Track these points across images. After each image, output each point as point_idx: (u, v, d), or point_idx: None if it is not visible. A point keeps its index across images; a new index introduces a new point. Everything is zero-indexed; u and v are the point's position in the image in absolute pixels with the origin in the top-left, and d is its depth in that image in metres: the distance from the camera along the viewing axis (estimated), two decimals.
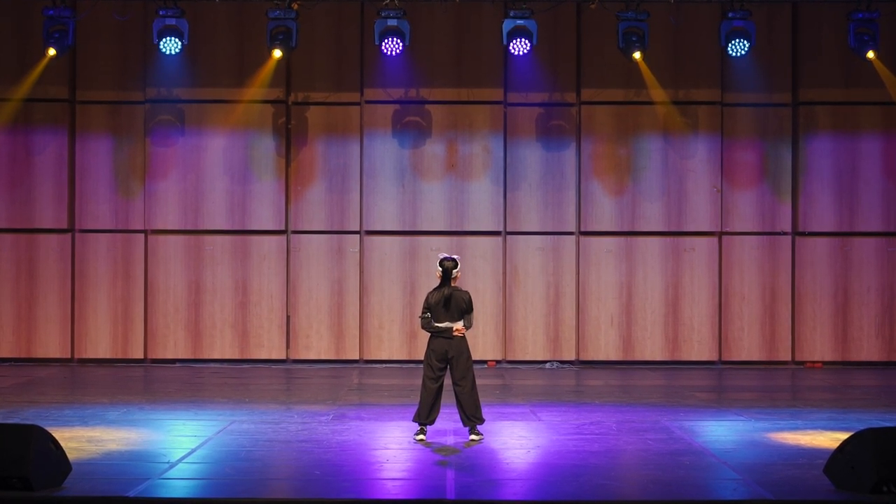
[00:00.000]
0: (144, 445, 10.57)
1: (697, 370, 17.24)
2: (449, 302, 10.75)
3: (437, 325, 10.74)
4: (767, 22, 17.36)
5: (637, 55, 16.59)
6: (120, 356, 17.44)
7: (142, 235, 17.48)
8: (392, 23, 16.23)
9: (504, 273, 17.55)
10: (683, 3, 17.05)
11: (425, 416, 10.79)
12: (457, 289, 10.84)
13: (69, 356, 17.45)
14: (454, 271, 10.85)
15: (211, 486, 9.08)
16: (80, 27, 16.91)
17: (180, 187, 17.48)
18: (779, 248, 17.61)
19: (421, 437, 10.77)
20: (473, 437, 10.79)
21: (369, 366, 17.44)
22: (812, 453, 10.19)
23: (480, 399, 10.96)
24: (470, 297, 10.88)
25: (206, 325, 17.45)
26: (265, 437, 10.99)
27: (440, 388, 10.82)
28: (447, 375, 10.89)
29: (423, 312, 10.84)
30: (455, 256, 11.01)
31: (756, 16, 16.63)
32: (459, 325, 10.76)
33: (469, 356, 10.84)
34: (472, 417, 10.81)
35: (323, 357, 17.50)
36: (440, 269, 10.84)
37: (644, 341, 17.51)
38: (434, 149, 17.56)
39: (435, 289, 10.84)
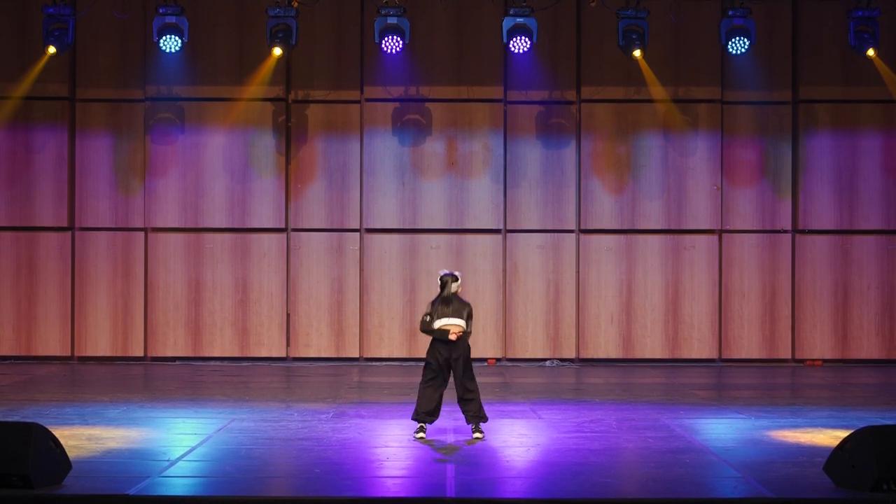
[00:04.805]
0: (144, 443, 10.57)
1: (697, 368, 17.24)
2: (451, 303, 10.74)
3: (437, 322, 10.71)
4: (767, 20, 17.35)
5: (637, 53, 16.59)
6: (120, 354, 17.44)
7: (142, 233, 17.48)
8: (392, 20, 16.24)
9: (504, 271, 17.54)
10: (683, 1, 17.05)
11: (425, 415, 10.77)
12: (459, 298, 10.83)
13: (69, 354, 17.45)
14: (454, 285, 10.83)
15: (211, 483, 9.08)
16: (80, 25, 16.90)
17: (180, 185, 17.47)
18: (779, 246, 17.60)
19: (421, 434, 10.76)
20: (477, 434, 10.79)
21: (369, 364, 17.44)
22: (812, 451, 10.19)
23: (480, 397, 10.95)
24: (471, 308, 10.86)
25: (206, 323, 17.45)
26: (265, 435, 10.99)
27: (441, 389, 10.80)
28: (447, 376, 10.87)
29: (427, 312, 10.82)
30: (456, 273, 10.96)
31: (756, 14, 16.62)
32: (460, 322, 10.70)
33: (469, 356, 10.81)
34: (475, 416, 10.80)
35: (323, 355, 17.50)
36: (440, 282, 10.85)
37: (644, 339, 17.51)
38: (434, 146, 17.55)
39: (437, 297, 10.83)
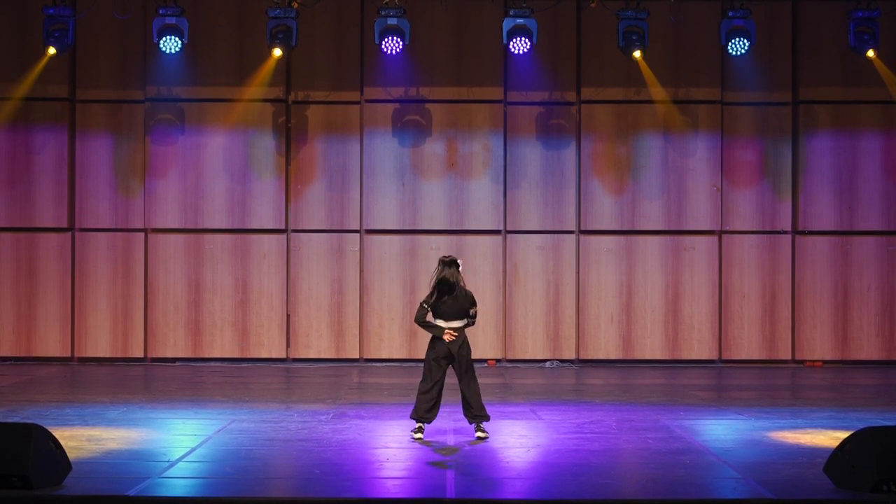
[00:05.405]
0: (144, 444, 10.57)
1: (697, 369, 17.24)
2: (453, 297, 10.71)
3: (438, 321, 10.69)
4: (767, 21, 17.36)
5: (637, 54, 16.59)
6: (120, 355, 17.44)
7: (142, 234, 17.48)
8: (392, 21, 16.24)
9: (504, 272, 17.54)
10: (683, 2, 17.05)
11: (424, 413, 10.74)
12: (462, 288, 10.80)
13: (69, 355, 17.45)
14: (455, 272, 10.81)
15: (211, 484, 9.08)
16: (80, 26, 16.91)
17: (180, 186, 17.48)
18: (779, 247, 17.60)
19: (419, 435, 10.74)
20: (480, 434, 10.78)
21: (369, 365, 17.44)
22: (812, 452, 10.19)
23: (482, 397, 10.94)
24: (473, 296, 10.85)
25: (206, 324, 17.45)
26: (265, 436, 10.99)
27: (441, 387, 10.80)
28: (447, 375, 10.87)
29: (426, 299, 10.76)
30: (458, 260, 10.91)
31: (756, 15, 16.63)
32: (460, 324, 10.71)
33: (470, 354, 10.82)
34: (477, 416, 10.79)
35: (323, 356, 17.50)
36: (440, 265, 10.79)
37: (644, 340, 17.51)
38: (434, 147, 17.56)
39: (437, 286, 10.77)
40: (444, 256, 10.90)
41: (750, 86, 17.52)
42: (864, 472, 8.50)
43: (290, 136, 17.57)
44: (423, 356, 10.95)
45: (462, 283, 10.84)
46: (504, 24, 16.37)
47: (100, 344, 17.45)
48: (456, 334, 10.69)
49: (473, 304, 10.84)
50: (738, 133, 17.60)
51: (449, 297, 10.72)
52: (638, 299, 17.52)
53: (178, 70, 17.38)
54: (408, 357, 17.35)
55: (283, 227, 17.50)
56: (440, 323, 10.73)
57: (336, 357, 17.49)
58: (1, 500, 8.22)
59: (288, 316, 17.50)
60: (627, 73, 17.35)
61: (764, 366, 17.48)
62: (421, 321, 10.78)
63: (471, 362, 10.81)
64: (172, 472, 9.38)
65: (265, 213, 17.49)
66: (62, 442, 8.97)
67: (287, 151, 17.53)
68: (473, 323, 10.86)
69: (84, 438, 10.73)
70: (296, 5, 16.29)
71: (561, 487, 8.83)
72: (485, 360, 17.32)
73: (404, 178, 17.52)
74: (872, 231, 17.58)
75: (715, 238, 17.60)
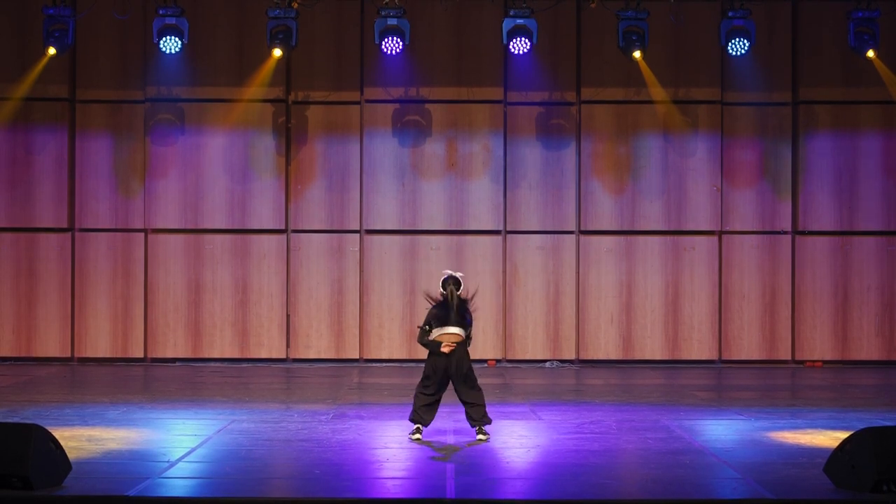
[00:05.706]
0: (144, 444, 10.57)
1: (697, 369, 17.24)
2: (451, 310, 10.65)
3: (436, 331, 10.61)
4: (767, 21, 17.36)
5: (637, 54, 16.59)
6: (120, 355, 17.44)
7: (142, 234, 17.48)
8: (392, 22, 16.25)
9: (504, 272, 17.54)
10: (683, 2, 17.05)
11: (421, 416, 10.70)
12: (461, 301, 10.72)
13: (69, 355, 17.45)
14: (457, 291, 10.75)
15: (211, 485, 9.09)
16: (80, 26, 16.90)
17: (180, 186, 17.48)
18: (779, 248, 17.60)
19: (417, 436, 10.71)
20: (481, 436, 10.73)
21: (369, 365, 17.43)
22: (812, 452, 10.19)
23: (485, 400, 10.91)
24: (471, 315, 10.73)
25: (206, 325, 17.45)
26: (265, 437, 10.99)
27: (438, 394, 10.74)
28: (446, 383, 10.80)
29: (423, 324, 10.75)
30: (458, 275, 10.84)
31: (756, 15, 16.63)
32: (458, 332, 10.62)
33: (470, 364, 10.72)
34: (479, 420, 10.75)
35: (323, 356, 17.49)
36: (442, 285, 10.72)
37: (644, 340, 17.51)
38: (434, 148, 17.56)
39: (437, 304, 10.74)
40: (447, 279, 10.79)
41: (750, 86, 17.51)
42: (864, 472, 8.51)
43: (290, 136, 17.57)
44: (422, 357, 10.91)
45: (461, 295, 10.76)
46: (504, 25, 16.37)
47: (100, 344, 17.45)
48: (454, 345, 10.61)
49: (471, 317, 10.76)
50: (738, 133, 17.60)
51: (446, 312, 10.65)
52: (638, 299, 17.52)
53: (178, 70, 17.38)
54: (408, 357, 17.34)
55: (283, 227, 17.50)
56: (439, 331, 10.64)
57: (336, 357, 17.49)
58: (1, 500, 8.22)
59: (288, 316, 17.50)
60: (627, 74, 17.35)
61: (764, 366, 17.48)
62: (422, 342, 10.75)
63: (470, 374, 10.70)
64: (172, 472, 9.38)
65: (265, 213, 17.50)
66: (62, 442, 8.96)
67: (287, 151, 17.53)
68: (469, 341, 10.77)
69: (84, 438, 10.73)
70: (296, 5, 16.29)
71: (561, 487, 8.83)
72: (485, 361, 17.32)
73: (404, 178, 17.52)
74: (872, 231, 17.58)
75: (715, 238, 17.59)
